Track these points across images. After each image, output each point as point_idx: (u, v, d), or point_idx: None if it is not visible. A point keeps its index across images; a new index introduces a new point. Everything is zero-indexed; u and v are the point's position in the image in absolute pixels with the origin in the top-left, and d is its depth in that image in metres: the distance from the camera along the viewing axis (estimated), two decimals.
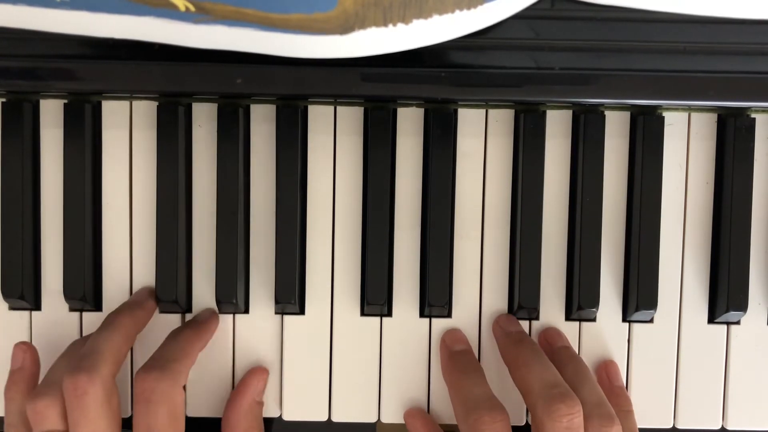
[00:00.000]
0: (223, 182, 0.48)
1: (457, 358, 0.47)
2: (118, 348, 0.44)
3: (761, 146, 0.49)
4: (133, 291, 0.50)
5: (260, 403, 0.49)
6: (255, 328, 0.50)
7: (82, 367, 0.42)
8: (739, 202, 0.48)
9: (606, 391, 0.47)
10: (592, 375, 0.46)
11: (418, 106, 0.49)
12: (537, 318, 0.50)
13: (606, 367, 0.49)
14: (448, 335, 0.49)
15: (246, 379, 0.49)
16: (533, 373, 0.44)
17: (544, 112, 0.48)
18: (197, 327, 0.48)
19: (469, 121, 0.49)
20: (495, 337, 0.49)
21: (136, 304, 0.48)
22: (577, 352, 0.50)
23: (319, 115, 0.49)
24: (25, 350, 0.47)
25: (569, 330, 0.50)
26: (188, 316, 0.50)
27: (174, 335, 0.47)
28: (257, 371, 0.49)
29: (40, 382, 0.45)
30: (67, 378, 0.42)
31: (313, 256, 0.49)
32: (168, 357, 0.44)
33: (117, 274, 0.50)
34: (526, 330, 0.50)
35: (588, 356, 0.50)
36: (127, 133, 0.49)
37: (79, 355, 0.43)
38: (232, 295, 0.48)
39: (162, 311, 0.50)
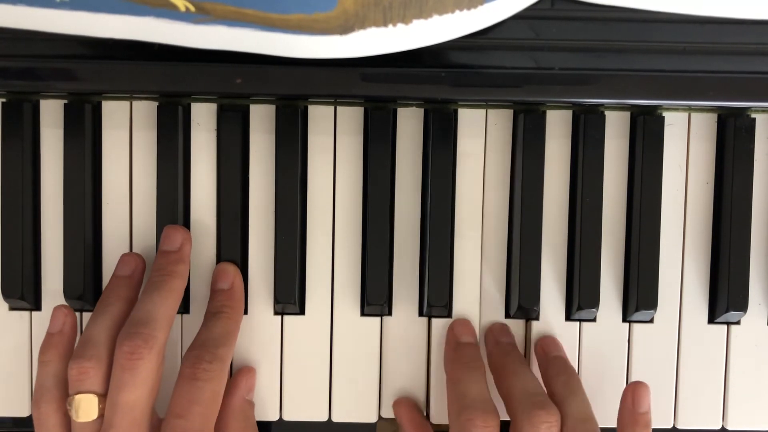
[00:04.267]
0: (223, 182, 0.48)
1: (462, 351, 0.47)
2: (172, 313, 0.45)
3: (761, 146, 0.49)
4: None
5: (251, 403, 0.49)
6: (255, 328, 0.50)
7: (140, 333, 0.42)
8: (739, 202, 0.48)
9: (626, 414, 0.46)
10: (583, 389, 0.45)
11: (418, 106, 0.49)
12: (537, 318, 0.50)
13: (634, 389, 0.46)
14: (457, 325, 0.49)
15: (235, 379, 0.49)
16: (516, 381, 0.45)
17: (544, 112, 0.48)
18: (234, 301, 0.47)
19: (469, 121, 0.49)
20: (486, 344, 0.49)
21: (178, 259, 0.47)
22: (576, 353, 0.50)
23: (319, 115, 0.49)
24: (66, 314, 0.47)
25: (569, 330, 0.50)
26: (186, 317, 0.50)
27: (216, 314, 0.46)
28: (245, 370, 0.49)
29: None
30: (125, 342, 0.42)
31: (313, 256, 0.49)
32: (218, 342, 0.44)
33: None
34: (526, 330, 0.50)
35: (588, 356, 0.50)
36: (127, 133, 0.49)
37: (135, 319, 0.43)
38: None
39: None
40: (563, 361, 0.48)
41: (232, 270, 0.48)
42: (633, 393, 0.46)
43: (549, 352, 0.48)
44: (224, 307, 0.47)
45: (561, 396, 0.44)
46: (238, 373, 0.49)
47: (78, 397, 0.42)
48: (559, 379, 0.46)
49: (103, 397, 0.43)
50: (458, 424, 0.43)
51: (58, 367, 0.45)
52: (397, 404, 0.49)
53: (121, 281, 0.47)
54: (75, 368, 0.43)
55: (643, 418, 0.45)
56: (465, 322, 0.49)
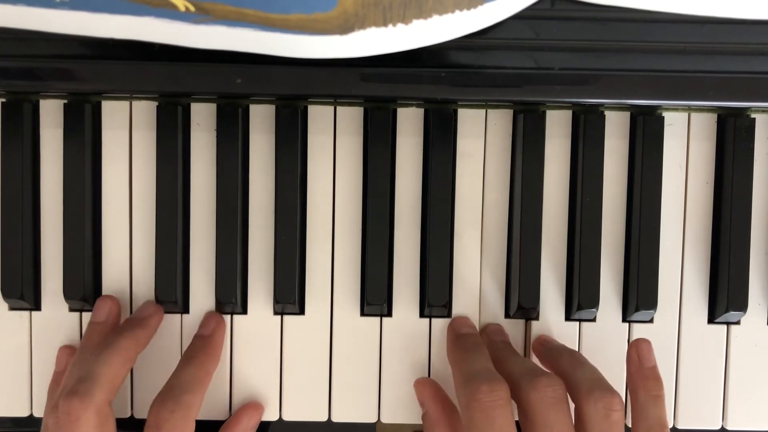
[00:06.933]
0: (222, 182, 0.48)
1: (462, 339, 0.47)
2: (116, 373, 0.44)
3: (761, 146, 0.49)
4: (133, 291, 0.50)
5: None
6: (254, 328, 0.50)
7: (76, 392, 0.42)
8: (739, 202, 0.48)
9: (635, 371, 0.46)
10: (589, 361, 0.45)
11: (418, 106, 0.49)
12: (537, 318, 0.50)
13: (637, 346, 0.47)
14: (456, 321, 0.49)
15: (237, 416, 0.49)
16: (514, 363, 0.45)
17: (544, 112, 0.48)
18: (210, 349, 0.48)
19: (469, 121, 0.49)
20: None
21: (138, 324, 0.47)
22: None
23: (319, 115, 0.49)
24: (69, 354, 0.49)
25: (569, 330, 0.50)
26: (186, 317, 0.50)
27: (188, 360, 0.46)
28: (250, 407, 0.49)
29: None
30: (61, 402, 0.42)
31: (313, 256, 0.49)
32: (184, 388, 0.44)
33: (117, 274, 0.50)
34: (526, 330, 0.50)
35: (588, 356, 0.49)
36: (127, 133, 0.49)
37: (76, 377, 0.43)
38: (232, 295, 0.48)
39: None
40: (563, 346, 0.48)
41: (214, 320, 0.49)
42: (637, 349, 0.47)
43: (547, 344, 0.48)
44: (198, 353, 0.47)
45: (568, 369, 0.44)
46: (242, 410, 0.49)
47: None
48: (563, 358, 0.46)
49: None
50: (464, 397, 0.42)
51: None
52: (419, 383, 0.48)
53: (96, 327, 0.48)
54: (46, 412, 0.44)
55: (653, 371, 0.46)
56: (463, 318, 0.49)
